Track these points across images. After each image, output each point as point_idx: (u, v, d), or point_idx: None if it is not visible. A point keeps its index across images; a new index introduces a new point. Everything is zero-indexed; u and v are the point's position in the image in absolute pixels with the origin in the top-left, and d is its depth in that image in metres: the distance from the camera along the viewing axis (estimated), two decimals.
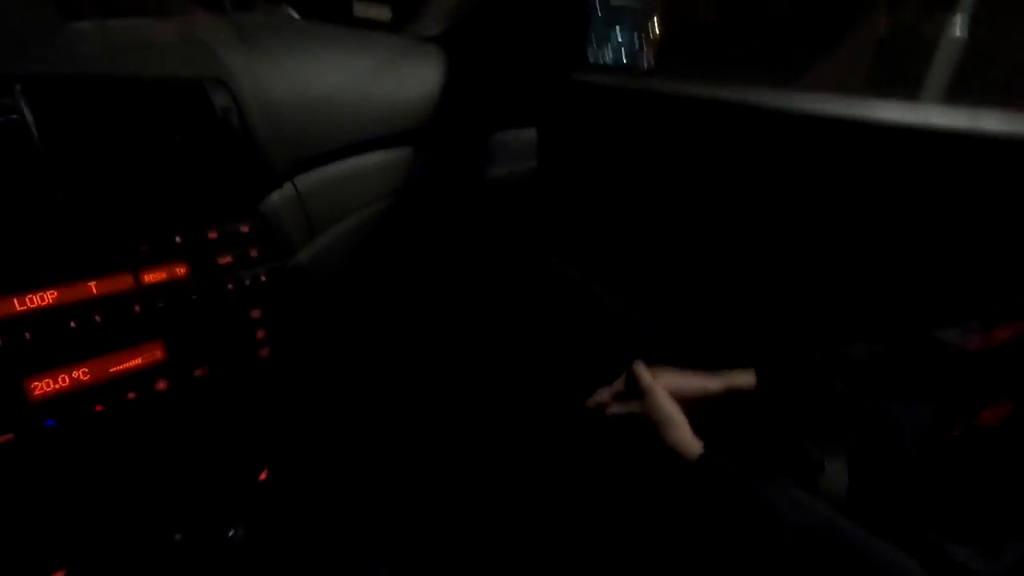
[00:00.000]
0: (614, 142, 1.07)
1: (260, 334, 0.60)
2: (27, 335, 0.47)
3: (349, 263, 0.74)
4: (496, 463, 0.73)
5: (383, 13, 1.13)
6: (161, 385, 0.54)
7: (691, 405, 0.66)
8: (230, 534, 0.55)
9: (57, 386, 0.49)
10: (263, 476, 0.63)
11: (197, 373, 0.56)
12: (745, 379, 0.70)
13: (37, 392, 0.48)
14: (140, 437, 0.54)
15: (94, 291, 0.51)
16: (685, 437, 0.61)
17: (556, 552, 0.66)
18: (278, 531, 0.61)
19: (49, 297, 0.49)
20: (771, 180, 0.88)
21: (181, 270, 0.56)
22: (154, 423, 0.55)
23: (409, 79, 0.90)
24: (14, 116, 0.48)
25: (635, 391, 0.68)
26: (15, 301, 0.47)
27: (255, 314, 0.60)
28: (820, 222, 0.85)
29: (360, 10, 1.04)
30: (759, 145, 0.88)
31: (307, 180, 0.69)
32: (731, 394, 0.70)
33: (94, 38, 0.55)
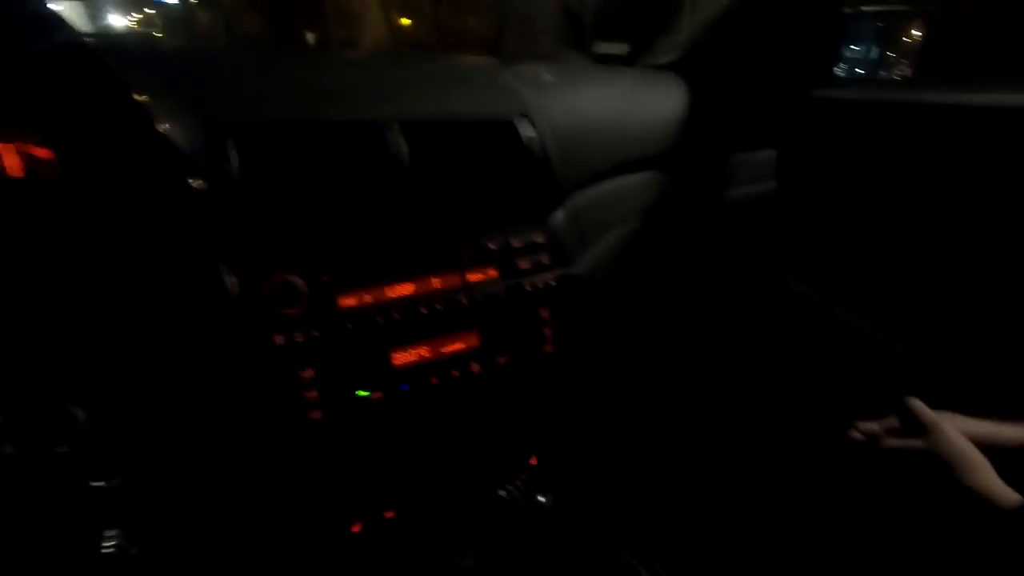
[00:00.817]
0: (865, 160, 0.99)
1: (548, 332, 0.69)
2: (394, 316, 0.61)
3: (610, 274, 0.80)
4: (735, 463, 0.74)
5: (621, 48, 1.20)
6: (475, 367, 0.65)
7: (983, 452, 0.57)
8: (542, 499, 0.63)
9: (410, 359, 0.62)
10: (533, 461, 0.70)
11: (501, 361, 0.66)
12: None
13: (397, 362, 0.61)
14: (460, 409, 0.65)
15: (436, 285, 0.63)
16: (994, 482, 0.53)
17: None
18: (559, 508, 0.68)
19: (408, 288, 0.62)
20: None
21: (494, 272, 0.66)
22: (469, 399, 0.65)
23: (652, 106, 0.95)
24: (390, 149, 0.62)
25: (915, 427, 0.62)
26: (389, 289, 0.61)
27: (545, 314, 0.68)
28: None
29: (601, 47, 1.12)
30: None
31: (580, 198, 0.77)
32: None
33: (449, 82, 0.70)
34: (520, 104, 0.72)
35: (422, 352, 0.63)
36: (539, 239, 0.69)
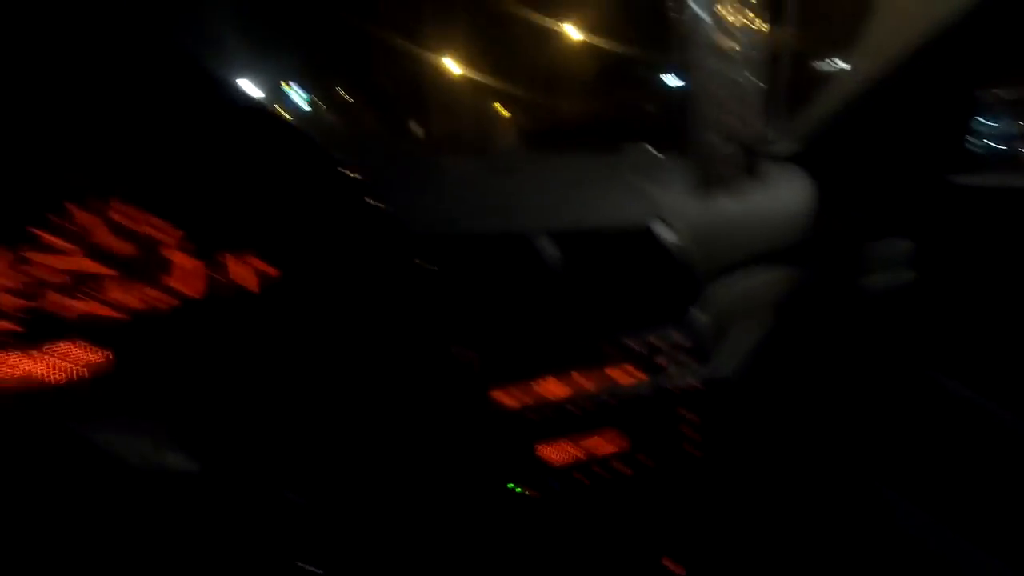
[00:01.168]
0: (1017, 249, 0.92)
1: (694, 434, 0.68)
2: (543, 412, 0.63)
3: (750, 372, 0.78)
4: None
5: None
6: (622, 469, 0.65)
7: None
8: None
9: (558, 456, 0.64)
10: (682, 571, 0.67)
11: (648, 463, 0.66)
12: None
13: (545, 458, 0.63)
14: (607, 511, 0.65)
15: (583, 384, 0.66)
16: None
17: None
18: None
19: (556, 386, 0.65)
20: None
21: (638, 372, 0.67)
22: (617, 501, 0.65)
23: (779, 200, 0.95)
24: (540, 258, 0.67)
25: None
26: (538, 386, 0.64)
27: (690, 415, 0.68)
28: None
29: None
30: None
31: (716, 294, 0.77)
32: None
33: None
34: (655, 207, 0.76)
35: (570, 450, 0.64)
36: (680, 339, 0.70)
